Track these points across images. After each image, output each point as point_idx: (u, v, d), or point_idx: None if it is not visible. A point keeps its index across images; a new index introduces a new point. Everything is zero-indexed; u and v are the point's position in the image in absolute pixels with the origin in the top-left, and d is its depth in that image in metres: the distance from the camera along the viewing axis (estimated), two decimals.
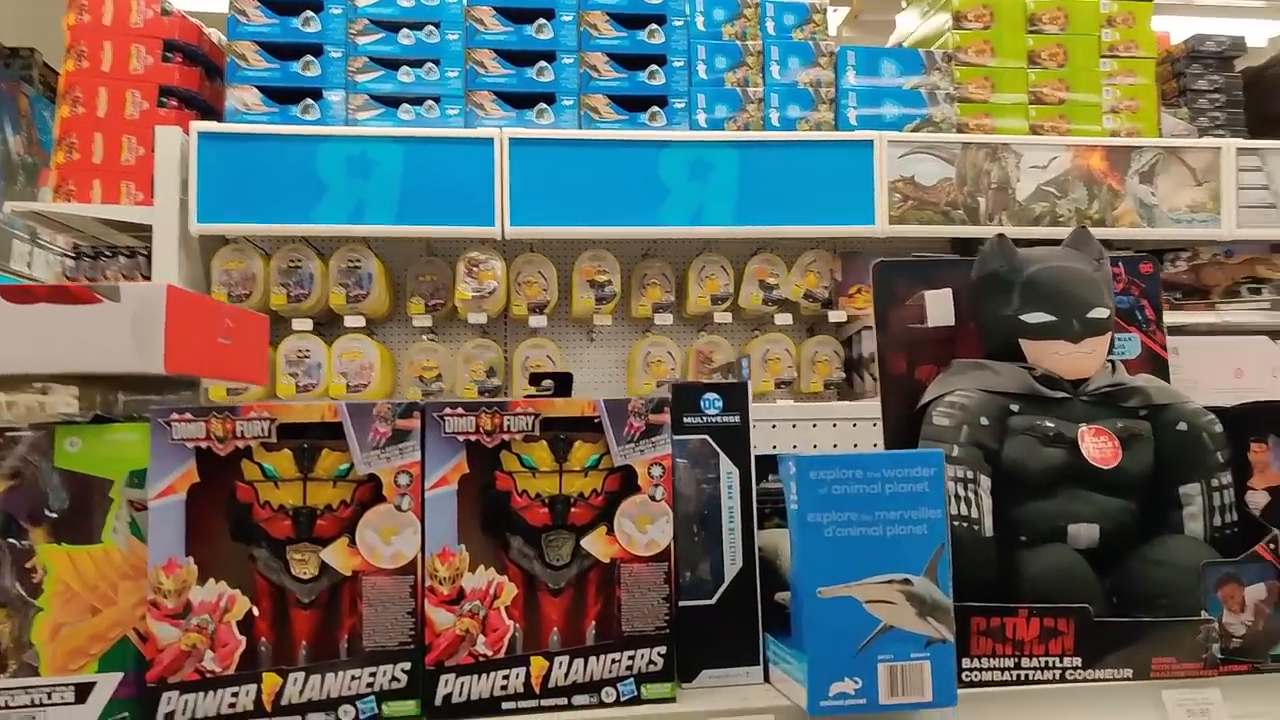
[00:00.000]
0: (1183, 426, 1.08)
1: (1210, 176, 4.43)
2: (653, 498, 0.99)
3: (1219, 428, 1.09)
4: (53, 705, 0.84)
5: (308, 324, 3.51)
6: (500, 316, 3.99)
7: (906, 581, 0.92)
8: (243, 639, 0.89)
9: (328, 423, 0.93)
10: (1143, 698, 0.99)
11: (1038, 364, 1.12)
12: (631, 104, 3.86)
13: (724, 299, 4.31)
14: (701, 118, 4.03)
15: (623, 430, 0.99)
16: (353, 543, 0.93)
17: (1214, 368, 1.33)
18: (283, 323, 3.43)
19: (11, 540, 0.86)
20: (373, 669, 0.91)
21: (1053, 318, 1.11)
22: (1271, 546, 1.02)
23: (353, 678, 0.91)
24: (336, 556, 0.92)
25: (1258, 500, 1.08)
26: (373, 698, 0.91)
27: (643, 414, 1.00)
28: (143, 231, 3.30)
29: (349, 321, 3.56)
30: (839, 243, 4.49)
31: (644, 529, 0.99)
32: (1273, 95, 4.92)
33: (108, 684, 0.86)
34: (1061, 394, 1.10)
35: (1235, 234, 4.53)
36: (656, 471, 0.99)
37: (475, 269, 3.82)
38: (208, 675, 0.88)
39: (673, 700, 0.97)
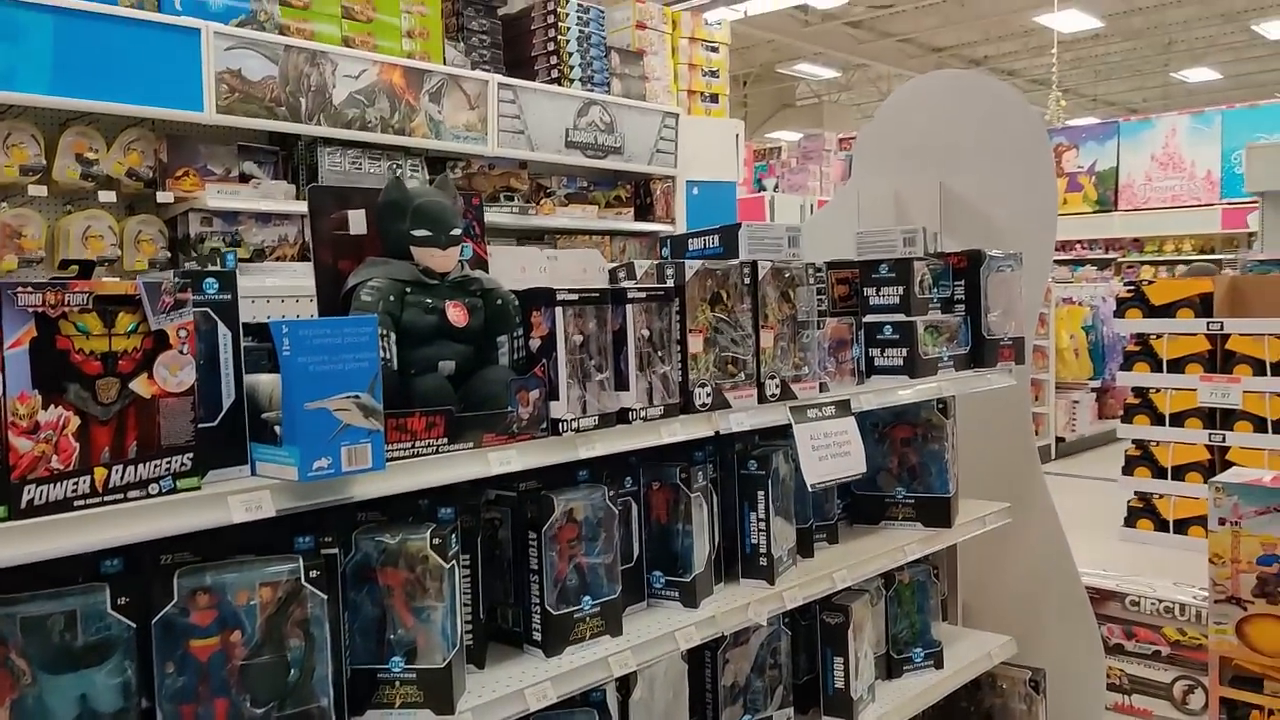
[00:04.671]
0: (499, 301, 1.83)
1: (481, 103, 5.54)
2: (180, 352, 1.40)
3: (516, 302, 1.86)
4: None
5: None
6: None
7: (357, 397, 1.50)
8: None
9: None
10: (479, 458, 1.73)
11: (421, 262, 1.76)
12: None
13: (36, 170, 4.11)
14: None
15: (157, 304, 1.37)
16: None
17: (507, 266, 2.13)
18: None
19: None
20: None
21: (430, 233, 1.76)
22: (544, 368, 1.83)
23: None
24: None
25: (535, 344, 1.88)
26: None
27: (172, 292, 1.38)
28: None
29: None
30: (166, 125, 4.56)
31: (176, 374, 1.39)
32: (521, 41, 6.23)
33: None
34: (435, 282, 1.76)
35: (496, 151, 5.75)
36: (183, 334, 1.40)
37: None
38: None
39: (199, 489, 1.41)
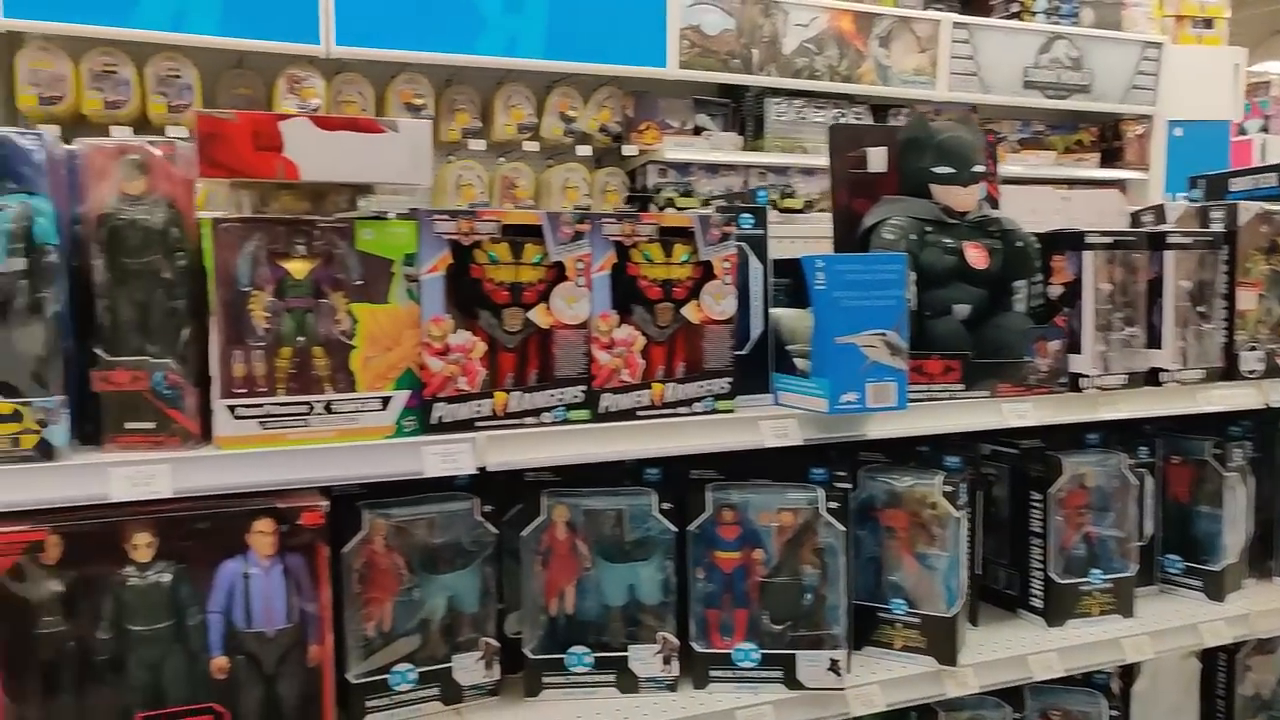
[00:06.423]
0: (1019, 243, 1.70)
1: (931, 45, 5.29)
2: (725, 282, 1.46)
3: (1037, 245, 1.72)
4: (366, 411, 1.19)
5: (126, 132, 3.45)
6: None
7: (884, 334, 1.47)
8: (483, 370, 1.27)
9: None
10: (992, 408, 1.63)
11: (941, 200, 1.69)
12: None
13: (529, 128, 4.61)
14: None
15: (706, 235, 1.44)
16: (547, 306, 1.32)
17: (1016, 207, 1.99)
18: (97, 130, 3.36)
19: (323, 299, 1.17)
20: (561, 390, 1.33)
21: (953, 170, 1.67)
22: (1066, 318, 1.68)
23: (550, 395, 1.32)
24: (538, 315, 1.32)
25: (1055, 291, 1.74)
26: (562, 408, 1.34)
27: (719, 225, 1.45)
28: None
29: (170, 133, 3.53)
30: (632, 82, 4.89)
31: (719, 303, 1.46)
32: None
33: (401, 398, 1.22)
34: (955, 221, 1.68)
35: (946, 95, 5.45)
36: (727, 265, 1.46)
37: (297, 86, 3.84)
38: (462, 392, 1.26)
39: (733, 411, 1.48)
